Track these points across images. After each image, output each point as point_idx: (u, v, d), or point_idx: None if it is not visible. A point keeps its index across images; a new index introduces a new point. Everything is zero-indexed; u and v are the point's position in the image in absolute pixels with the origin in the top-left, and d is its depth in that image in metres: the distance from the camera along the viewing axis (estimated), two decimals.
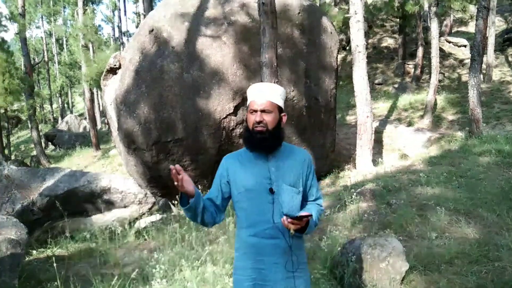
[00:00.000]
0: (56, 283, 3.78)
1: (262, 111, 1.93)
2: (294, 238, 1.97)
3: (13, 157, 24.59)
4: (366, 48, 9.75)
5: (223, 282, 3.59)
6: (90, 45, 21.29)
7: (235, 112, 7.98)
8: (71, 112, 39.10)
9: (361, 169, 9.23)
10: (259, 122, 1.92)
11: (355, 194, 5.98)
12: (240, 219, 2.04)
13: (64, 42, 38.37)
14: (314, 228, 2.01)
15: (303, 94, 8.64)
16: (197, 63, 7.94)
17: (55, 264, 3.87)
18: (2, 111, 23.57)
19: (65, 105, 42.44)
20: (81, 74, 20.02)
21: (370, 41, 24.03)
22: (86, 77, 18.48)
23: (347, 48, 23.76)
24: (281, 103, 1.99)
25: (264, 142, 1.93)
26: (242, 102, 8.00)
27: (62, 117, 35.10)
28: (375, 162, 9.67)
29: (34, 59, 32.28)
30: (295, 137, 8.71)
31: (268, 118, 1.93)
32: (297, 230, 1.89)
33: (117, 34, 37.84)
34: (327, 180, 9.29)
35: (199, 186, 7.94)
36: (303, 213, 1.90)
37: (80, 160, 17.99)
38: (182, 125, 7.82)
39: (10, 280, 4.09)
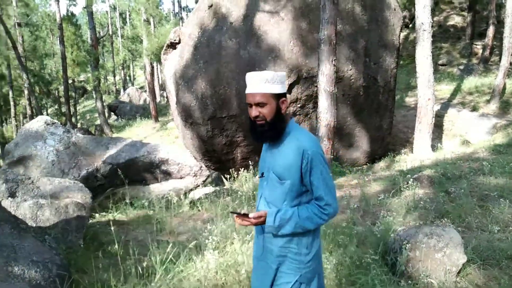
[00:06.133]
0: (115, 246, 4.05)
1: (257, 104, 1.84)
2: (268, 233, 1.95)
3: (79, 125, 26.35)
4: (431, 26, 9.15)
5: None
6: (151, 20, 21.89)
7: (289, 90, 7.92)
8: (132, 85, 40.86)
9: (419, 154, 8.85)
10: (255, 117, 1.86)
11: (411, 179, 5.76)
12: None
13: (127, 16, 39.75)
14: (285, 230, 1.86)
15: (361, 73, 8.35)
16: (254, 39, 7.91)
17: (113, 228, 4.14)
18: (70, 81, 25.17)
19: (127, 77, 44.36)
20: (142, 48, 20.71)
21: (435, 18, 22.49)
22: (147, 51, 19.11)
23: (410, 25, 22.51)
24: (276, 90, 1.84)
25: (264, 135, 1.89)
26: (297, 80, 7.91)
27: (124, 89, 36.81)
28: (434, 148, 9.23)
29: (99, 32, 33.82)
30: (350, 118, 8.51)
31: (264, 111, 1.83)
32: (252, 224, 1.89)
33: (176, 9, 38.62)
34: (381, 164, 9.02)
35: (250, 161, 8.07)
36: (260, 212, 1.88)
37: (140, 131, 18.88)
38: (237, 101, 7.90)
39: (76, 240, 4.45)
